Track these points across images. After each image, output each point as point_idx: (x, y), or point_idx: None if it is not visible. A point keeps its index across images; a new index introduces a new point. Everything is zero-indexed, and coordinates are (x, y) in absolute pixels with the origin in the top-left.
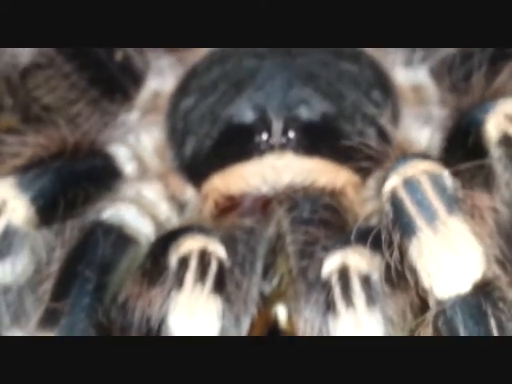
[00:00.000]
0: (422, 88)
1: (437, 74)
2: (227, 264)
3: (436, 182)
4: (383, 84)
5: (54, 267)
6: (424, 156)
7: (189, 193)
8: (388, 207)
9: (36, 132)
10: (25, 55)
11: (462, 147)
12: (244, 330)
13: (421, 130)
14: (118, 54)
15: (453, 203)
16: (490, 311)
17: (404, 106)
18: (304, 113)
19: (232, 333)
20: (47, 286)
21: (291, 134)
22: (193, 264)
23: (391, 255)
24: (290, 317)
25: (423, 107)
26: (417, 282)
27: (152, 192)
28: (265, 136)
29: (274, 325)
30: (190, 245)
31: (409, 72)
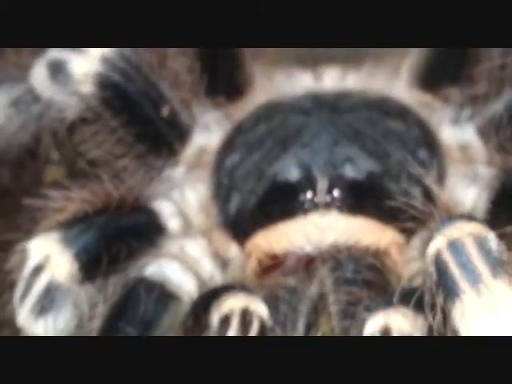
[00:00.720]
0: (469, 147)
1: (484, 133)
2: (269, 323)
3: (481, 244)
4: (430, 143)
5: (96, 323)
6: (469, 217)
7: (232, 250)
8: (432, 269)
9: (81, 187)
10: (72, 110)
11: (509, 209)
12: None
13: (467, 189)
14: (165, 110)
15: (497, 266)
16: None
17: (450, 164)
18: (349, 171)
19: None
20: None
21: (336, 193)
22: (234, 323)
23: (434, 317)
24: None
25: (470, 166)
26: None
27: (195, 248)
28: (309, 194)
29: None
30: (232, 303)
31: (456, 130)
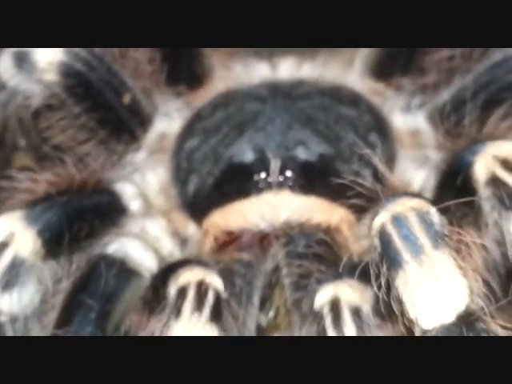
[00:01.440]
0: (420, 133)
1: (433, 119)
2: (224, 295)
3: (423, 218)
4: (380, 128)
5: (60, 298)
6: (412, 194)
7: (191, 229)
8: (376, 242)
9: (46, 170)
10: (37, 98)
11: (453, 188)
12: None
13: (416, 171)
14: (126, 97)
15: (438, 238)
16: None
17: (401, 149)
18: (301, 153)
19: None
20: (53, 315)
21: (288, 173)
22: (190, 294)
23: (379, 288)
24: None
25: (420, 151)
26: (403, 313)
27: (155, 228)
28: (263, 175)
29: None
30: (189, 276)
31: (407, 117)
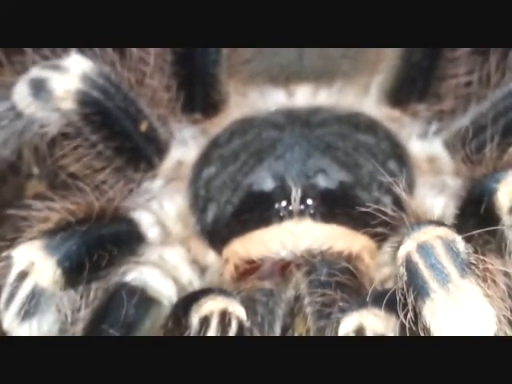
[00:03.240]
0: (437, 159)
1: (451, 146)
2: (247, 324)
3: (449, 246)
4: (399, 154)
5: (79, 327)
6: (437, 222)
7: (210, 257)
8: (403, 270)
9: (63, 198)
10: (53, 126)
11: (475, 215)
12: None
13: (435, 198)
14: (143, 125)
15: (465, 267)
16: None
17: (419, 176)
18: (322, 181)
19: None
20: None
21: (309, 202)
22: (213, 323)
23: (406, 316)
24: None
25: (438, 177)
26: None
27: (174, 256)
28: (284, 203)
29: None
30: (211, 305)
31: (424, 144)
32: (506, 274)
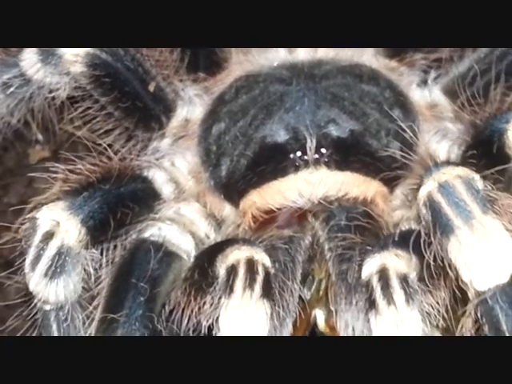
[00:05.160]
0: (437, 105)
1: (450, 92)
2: (273, 271)
3: (469, 184)
4: (402, 102)
5: (102, 285)
6: (454, 163)
7: (226, 210)
8: (425, 210)
9: (81, 160)
10: (62, 90)
11: (484, 156)
12: (288, 333)
13: (439, 143)
14: (152, 85)
15: (486, 203)
16: None
17: (422, 122)
18: (333, 130)
19: (277, 335)
20: (96, 302)
21: (323, 151)
22: (241, 272)
23: (431, 255)
24: (327, 320)
25: (440, 123)
26: (457, 277)
27: (190, 211)
28: (299, 153)
29: (313, 328)
30: (238, 255)
31: (424, 91)
32: None
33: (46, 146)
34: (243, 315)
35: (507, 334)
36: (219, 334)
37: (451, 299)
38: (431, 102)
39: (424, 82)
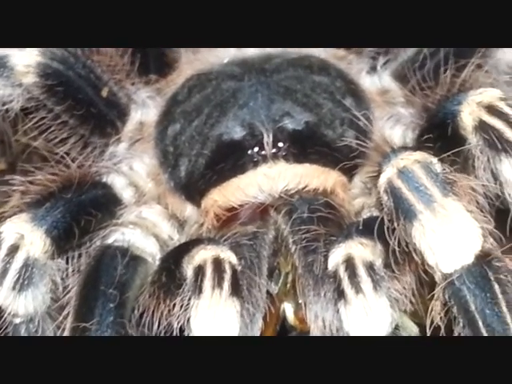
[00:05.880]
0: (388, 91)
1: (400, 77)
2: (239, 269)
3: (428, 168)
4: (353, 91)
5: (71, 294)
6: (412, 148)
7: (187, 210)
8: (386, 197)
9: (39, 170)
10: (15, 101)
11: (439, 139)
12: (258, 328)
13: (393, 129)
14: (104, 91)
15: (446, 186)
16: (493, 278)
17: (375, 109)
18: (289, 124)
19: (248, 331)
20: (66, 312)
21: (280, 144)
22: (209, 272)
23: (395, 241)
24: (296, 313)
25: (392, 109)
26: (422, 261)
27: (152, 214)
28: (256, 148)
29: (283, 321)
30: (204, 254)
31: (373, 78)
32: (474, 189)
33: (2, 158)
34: (214, 314)
35: (476, 315)
36: (191, 335)
37: (417, 284)
38: (382, 88)
39: (373, 69)
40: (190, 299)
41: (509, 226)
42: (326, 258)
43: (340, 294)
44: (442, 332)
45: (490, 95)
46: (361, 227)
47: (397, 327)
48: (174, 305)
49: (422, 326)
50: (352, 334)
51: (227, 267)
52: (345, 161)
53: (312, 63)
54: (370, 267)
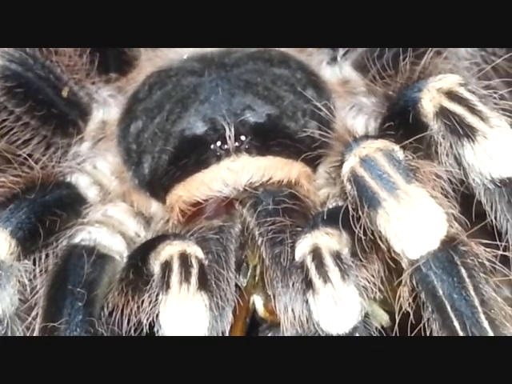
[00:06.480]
0: (349, 81)
1: (360, 67)
2: (206, 263)
3: (390, 156)
4: (314, 82)
5: (39, 294)
6: (374, 136)
7: (153, 207)
8: (350, 186)
9: (2, 172)
10: None
11: (401, 126)
12: (228, 322)
13: (355, 119)
14: (65, 91)
15: (409, 173)
16: (459, 262)
17: (336, 99)
18: (250, 117)
19: (218, 325)
20: (35, 312)
21: (243, 138)
22: (176, 267)
23: (361, 229)
24: (266, 305)
25: (353, 99)
26: (388, 248)
27: (117, 212)
28: (219, 143)
29: (252, 314)
30: (170, 250)
31: (334, 69)
32: (438, 176)
33: None
34: (182, 309)
35: (444, 299)
36: (160, 331)
37: (385, 271)
38: (343, 78)
39: (334, 60)
40: (158, 295)
41: (474, 211)
42: (292, 249)
43: (308, 285)
44: (411, 318)
45: (450, 81)
46: (326, 217)
47: (367, 315)
48: (143, 301)
49: (392, 314)
50: (321, 323)
51: (194, 262)
52: (308, 152)
53: (272, 56)
54: (337, 256)
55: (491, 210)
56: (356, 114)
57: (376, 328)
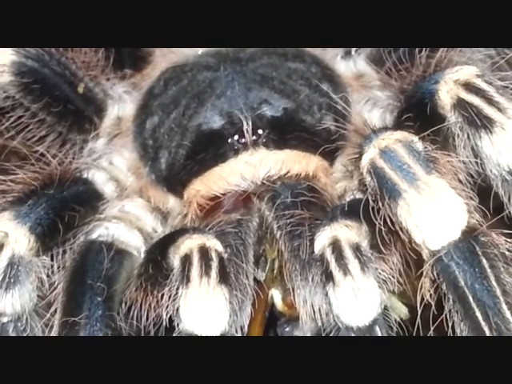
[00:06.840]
0: (363, 75)
1: (374, 61)
2: (226, 256)
3: (410, 147)
4: (329, 76)
5: (57, 290)
6: (392, 128)
7: (170, 202)
8: (370, 178)
9: (20, 169)
10: None
11: (419, 118)
12: (248, 316)
13: (371, 112)
14: (80, 87)
15: (428, 164)
16: (480, 252)
17: (352, 93)
18: (267, 111)
19: (238, 319)
20: (53, 309)
21: (260, 131)
22: (195, 260)
23: (381, 221)
24: (284, 298)
25: (368, 92)
26: (409, 239)
27: (135, 207)
28: (236, 137)
29: (271, 308)
30: (190, 244)
31: (348, 63)
32: (455, 167)
33: None
34: (203, 302)
35: (466, 290)
36: (181, 324)
37: (404, 264)
38: (357, 72)
39: (348, 54)
40: (178, 289)
41: (491, 203)
42: (311, 241)
43: (328, 277)
44: (433, 309)
45: (467, 72)
46: (346, 209)
47: (386, 308)
48: (162, 296)
49: (410, 307)
50: (342, 316)
51: (214, 255)
52: (325, 145)
53: (286, 50)
54: (357, 248)
55: (509, 201)
56: (371, 107)
57: (395, 320)
